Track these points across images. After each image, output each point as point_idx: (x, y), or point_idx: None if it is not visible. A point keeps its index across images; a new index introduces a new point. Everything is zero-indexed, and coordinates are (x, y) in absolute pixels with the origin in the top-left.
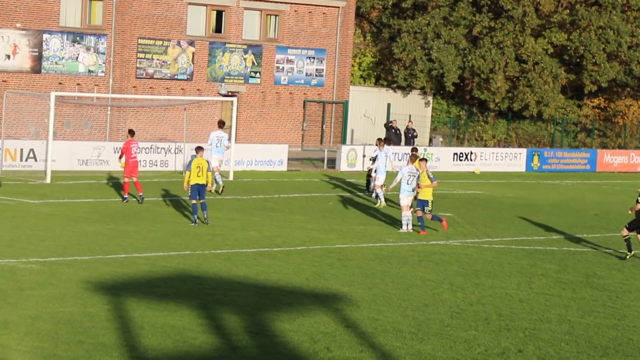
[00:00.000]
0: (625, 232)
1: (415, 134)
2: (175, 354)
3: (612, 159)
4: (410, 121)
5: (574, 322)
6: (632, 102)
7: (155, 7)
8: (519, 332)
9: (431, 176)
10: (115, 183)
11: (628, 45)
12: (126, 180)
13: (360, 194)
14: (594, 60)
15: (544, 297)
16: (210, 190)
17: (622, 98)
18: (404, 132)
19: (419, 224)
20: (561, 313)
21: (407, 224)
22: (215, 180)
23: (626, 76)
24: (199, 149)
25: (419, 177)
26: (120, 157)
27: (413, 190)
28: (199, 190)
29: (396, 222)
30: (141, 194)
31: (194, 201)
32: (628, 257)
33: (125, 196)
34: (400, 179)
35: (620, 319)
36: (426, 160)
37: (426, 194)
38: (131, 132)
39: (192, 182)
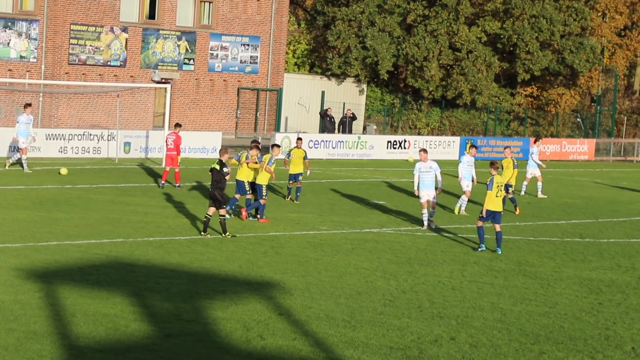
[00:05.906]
0: None
1: (353, 116)
2: (107, 341)
3: (545, 148)
4: (348, 109)
5: (506, 310)
6: (565, 90)
7: None
8: (452, 320)
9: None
10: (46, 170)
11: (561, 34)
12: (166, 169)
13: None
14: (527, 49)
15: (476, 285)
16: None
17: (555, 87)
18: (341, 120)
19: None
20: (493, 301)
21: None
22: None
23: (559, 65)
24: (275, 146)
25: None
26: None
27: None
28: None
29: (327, 211)
30: (178, 184)
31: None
32: None
33: (162, 182)
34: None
35: (552, 306)
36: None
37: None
38: (175, 125)
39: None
